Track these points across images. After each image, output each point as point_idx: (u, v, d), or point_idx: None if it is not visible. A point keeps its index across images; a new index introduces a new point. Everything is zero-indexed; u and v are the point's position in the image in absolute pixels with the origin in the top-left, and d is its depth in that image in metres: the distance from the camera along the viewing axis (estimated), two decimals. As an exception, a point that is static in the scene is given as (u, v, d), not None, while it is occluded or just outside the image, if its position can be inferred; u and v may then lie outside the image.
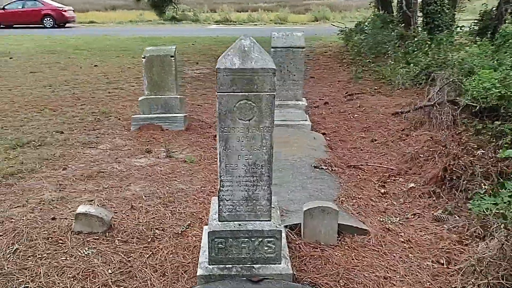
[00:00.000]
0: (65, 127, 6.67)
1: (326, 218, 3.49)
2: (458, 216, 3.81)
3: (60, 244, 3.48)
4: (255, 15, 30.20)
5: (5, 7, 25.21)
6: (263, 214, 2.93)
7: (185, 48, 15.61)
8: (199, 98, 8.70)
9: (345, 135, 6.40)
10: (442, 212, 3.94)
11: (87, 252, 3.37)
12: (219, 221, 2.94)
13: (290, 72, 6.24)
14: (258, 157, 2.82)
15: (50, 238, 3.55)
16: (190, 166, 5.12)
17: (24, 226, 3.71)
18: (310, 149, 5.50)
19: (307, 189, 4.37)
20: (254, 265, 2.95)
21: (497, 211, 3.18)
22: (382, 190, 4.50)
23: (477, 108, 5.23)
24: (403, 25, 12.41)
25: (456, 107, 5.61)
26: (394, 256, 3.37)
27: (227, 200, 2.89)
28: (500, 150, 3.98)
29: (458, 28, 9.75)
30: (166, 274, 3.15)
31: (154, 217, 3.92)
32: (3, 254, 3.34)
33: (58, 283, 3.04)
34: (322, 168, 4.91)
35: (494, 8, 10.13)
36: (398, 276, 3.14)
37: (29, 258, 3.30)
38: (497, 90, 4.76)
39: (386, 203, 4.24)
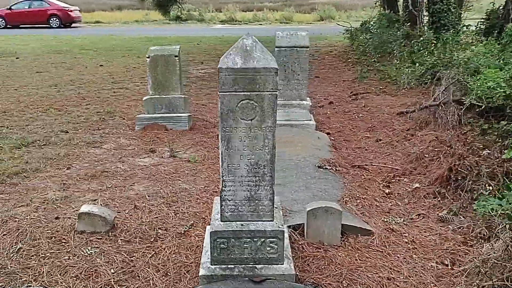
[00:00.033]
0: (70, 126, 6.69)
1: (330, 218, 3.47)
2: (463, 217, 3.78)
3: (63, 244, 3.49)
4: (261, 14, 30.18)
5: (12, 7, 25.36)
6: (266, 214, 2.92)
7: (190, 48, 15.62)
8: (203, 98, 8.69)
9: (349, 135, 6.37)
10: (447, 212, 3.91)
11: (90, 251, 3.38)
12: (221, 221, 2.93)
13: (294, 72, 6.22)
14: (261, 157, 2.80)
15: (53, 238, 3.56)
16: (193, 166, 5.12)
17: (28, 225, 3.72)
18: (314, 148, 5.48)
19: (310, 189, 4.35)
20: (256, 266, 2.94)
21: (503, 212, 3.14)
22: (387, 190, 4.47)
23: (483, 107, 5.18)
24: (409, 24, 12.34)
25: (461, 107, 5.56)
26: (398, 257, 3.34)
27: (229, 200, 2.88)
28: (506, 150, 3.93)
29: (464, 27, 9.68)
30: (169, 274, 3.14)
31: (157, 217, 3.91)
32: (7, 253, 3.35)
33: (61, 283, 3.04)
34: (326, 168, 4.88)
35: (501, 7, 10.04)
36: (402, 277, 3.11)
37: (32, 257, 3.31)
38: (502, 90, 4.72)
39: (391, 204, 4.22)
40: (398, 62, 9.61)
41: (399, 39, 10.94)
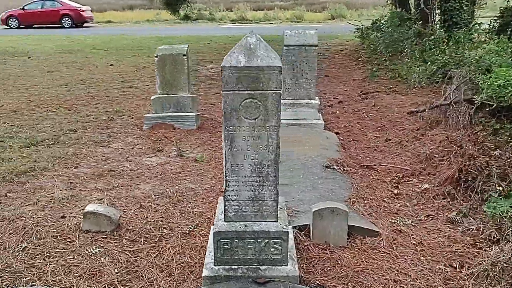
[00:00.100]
0: (78, 125, 6.72)
1: (336, 219, 3.42)
2: (473, 219, 3.70)
3: (68, 243, 3.49)
4: (271, 13, 30.12)
5: (25, 8, 25.62)
6: (270, 215, 2.88)
7: (200, 47, 15.63)
8: (212, 97, 8.68)
9: (358, 134, 6.31)
10: (456, 214, 3.83)
11: (95, 251, 3.37)
12: (225, 221, 2.90)
13: (303, 71, 6.17)
14: (264, 156, 2.77)
15: (58, 237, 3.56)
16: (200, 165, 5.10)
17: (34, 224, 3.73)
18: (322, 148, 5.43)
19: (317, 189, 4.30)
20: (260, 267, 2.91)
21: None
22: (395, 191, 4.40)
23: (494, 107, 5.08)
24: (420, 22, 12.19)
25: (473, 106, 5.46)
26: (405, 259, 3.28)
27: (233, 200, 2.85)
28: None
29: (476, 25, 9.52)
30: (172, 274, 3.12)
31: (162, 217, 3.90)
32: (12, 252, 3.36)
33: (65, 282, 3.04)
34: (334, 168, 4.83)
35: (515, 5, 9.86)
36: (409, 280, 3.05)
37: (37, 256, 3.31)
38: (513, 89, 4.62)
39: (399, 204, 4.15)
40: (409, 60, 9.49)
41: (411, 37, 10.80)
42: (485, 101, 5.21)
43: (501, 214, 3.31)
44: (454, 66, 7.25)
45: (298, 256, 3.24)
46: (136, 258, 3.31)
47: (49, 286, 2.98)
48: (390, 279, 3.06)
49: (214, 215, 3.79)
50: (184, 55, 6.48)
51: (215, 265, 2.91)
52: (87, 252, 3.35)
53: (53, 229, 3.67)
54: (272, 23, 27.35)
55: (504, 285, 2.56)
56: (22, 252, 3.35)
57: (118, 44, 17.01)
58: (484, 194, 3.87)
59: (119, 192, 4.40)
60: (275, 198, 2.85)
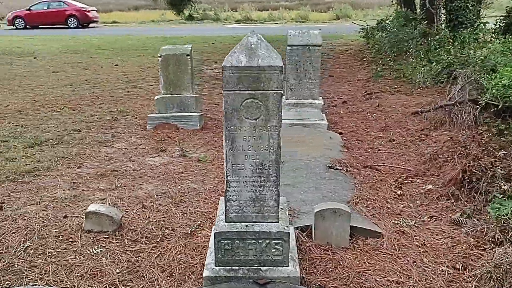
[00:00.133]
0: (82, 125, 6.74)
1: (338, 220, 3.40)
2: (477, 220, 3.66)
3: (70, 243, 3.49)
4: (276, 13, 30.07)
5: (31, 8, 25.75)
6: (271, 216, 2.87)
7: (204, 47, 15.64)
8: (216, 97, 8.67)
9: (362, 135, 6.28)
10: (460, 215, 3.79)
11: (96, 251, 3.37)
12: (226, 222, 2.89)
13: (306, 71, 6.15)
14: (265, 157, 2.75)
15: (60, 236, 3.57)
16: (203, 165, 5.10)
17: (37, 224, 3.74)
18: (325, 149, 5.40)
19: (320, 190, 4.28)
20: (261, 267, 2.89)
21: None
22: (399, 192, 4.37)
23: (500, 107, 5.03)
24: (426, 22, 12.12)
25: (477, 106, 5.42)
26: (408, 260, 3.26)
27: (233, 201, 2.84)
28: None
29: (482, 25, 9.45)
30: (174, 274, 3.12)
31: (164, 217, 3.90)
32: (15, 251, 3.37)
33: (66, 282, 3.04)
34: (337, 169, 4.81)
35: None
36: (412, 281, 3.03)
37: (39, 256, 3.32)
38: (517, 89, 4.58)
39: (402, 205, 4.12)
40: (414, 60, 9.44)
41: (416, 37, 10.74)
42: (490, 102, 5.17)
43: (505, 215, 3.28)
44: (459, 66, 7.21)
45: (299, 257, 3.23)
46: (137, 258, 3.30)
47: (50, 286, 2.98)
48: (392, 280, 3.04)
49: (216, 215, 3.79)
50: (187, 55, 6.48)
51: (216, 266, 2.90)
52: (88, 252, 3.36)
53: (55, 229, 3.68)
54: (277, 23, 27.33)
55: (507, 287, 2.54)
56: (24, 252, 3.36)
57: (123, 45, 17.06)
58: (488, 195, 3.84)
59: (122, 192, 4.40)
60: (276, 199, 2.84)
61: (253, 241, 2.85)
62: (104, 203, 4.06)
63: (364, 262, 3.24)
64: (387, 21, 13.73)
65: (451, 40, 8.85)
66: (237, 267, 2.89)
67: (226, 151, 2.75)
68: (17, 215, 3.90)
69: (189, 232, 3.64)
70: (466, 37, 8.41)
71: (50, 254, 3.34)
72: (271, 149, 2.74)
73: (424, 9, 12.54)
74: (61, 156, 5.41)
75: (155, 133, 6.30)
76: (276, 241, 2.85)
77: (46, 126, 6.71)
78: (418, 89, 8.06)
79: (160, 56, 6.51)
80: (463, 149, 4.64)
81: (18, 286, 2.97)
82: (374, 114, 7.13)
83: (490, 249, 3.17)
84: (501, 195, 3.58)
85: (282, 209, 3.05)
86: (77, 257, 3.31)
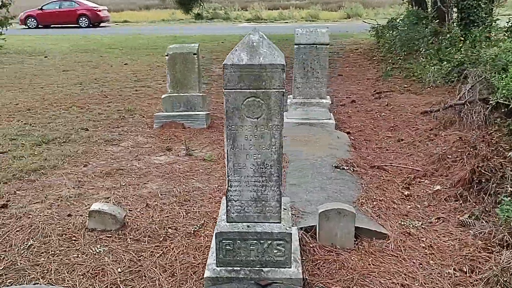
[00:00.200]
0: (90, 124, 6.76)
1: (343, 220, 3.35)
2: (485, 222, 3.58)
3: (73, 241, 3.49)
4: (286, 12, 29.97)
5: (43, 8, 25.99)
6: (273, 216, 2.83)
7: (214, 46, 15.64)
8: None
9: (370, 134, 6.20)
10: (468, 216, 3.72)
11: (99, 250, 3.36)
12: (227, 222, 2.85)
13: (314, 70, 6.09)
14: (267, 156, 2.71)
15: (64, 235, 3.57)
16: (208, 165, 5.07)
17: (41, 222, 3.74)
18: (332, 148, 5.35)
19: (326, 190, 4.23)
20: (263, 268, 2.85)
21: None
22: (406, 192, 4.30)
23: (511, 107, 4.93)
24: (437, 21, 11.96)
25: (488, 106, 5.32)
26: (413, 263, 3.20)
27: (235, 201, 2.81)
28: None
29: (493, 23, 9.29)
30: (175, 274, 3.09)
31: (168, 216, 3.88)
32: (18, 249, 3.37)
33: (68, 281, 3.03)
34: (343, 169, 4.75)
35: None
36: (417, 284, 2.97)
37: (42, 254, 3.32)
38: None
39: (409, 206, 4.05)
40: (424, 59, 9.32)
41: (427, 36, 10.61)
42: (500, 101, 5.07)
43: (514, 217, 3.20)
44: (470, 65, 7.09)
45: (303, 258, 3.19)
46: (139, 258, 3.29)
47: (52, 285, 2.98)
48: (397, 283, 2.99)
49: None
50: (194, 54, 6.46)
51: (217, 266, 2.87)
52: (91, 251, 3.35)
53: (59, 227, 3.67)
54: (287, 22, 27.24)
55: (514, 292, 2.47)
56: (27, 250, 3.36)
57: (133, 44, 17.13)
58: (497, 196, 3.76)
59: (126, 191, 4.40)
60: (278, 199, 2.80)
61: (255, 241, 2.81)
62: (108, 202, 4.06)
63: (369, 264, 3.18)
64: (398, 20, 13.57)
65: (462, 39, 8.71)
66: (238, 268, 2.86)
67: (227, 150, 2.72)
68: (21, 213, 3.91)
69: (192, 232, 3.62)
70: (477, 36, 8.26)
71: (53, 252, 3.34)
72: (273, 148, 2.70)
73: (435, 7, 12.38)
74: (67, 155, 5.43)
75: (162, 132, 6.29)
76: (278, 241, 2.81)
77: (54, 125, 6.74)
78: (428, 88, 7.95)
79: (167, 55, 6.50)
80: (472, 149, 4.55)
81: (20, 285, 2.97)
82: (383, 114, 7.05)
83: (497, 252, 3.09)
84: (510, 197, 3.49)
85: (285, 209, 3.01)
86: (79, 256, 3.30)
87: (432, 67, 8.33)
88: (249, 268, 2.85)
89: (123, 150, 5.65)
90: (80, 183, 4.61)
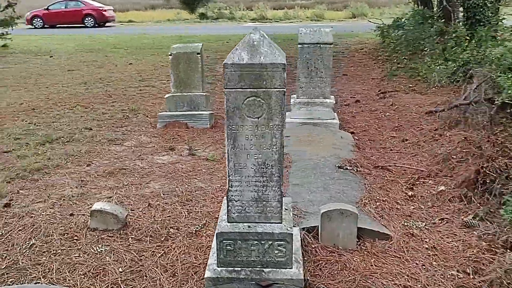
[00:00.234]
0: (94, 123, 6.77)
1: (345, 221, 3.33)
2: (490, 223, 3.54)
3: (75, 241, 3.49)
4: (291, 12, 29.93)
5: (49, 8, 26.10)
6: (274, 216, 2.81)
7: (219, 46, 15.63)
8: (228, 96, 8.62)
9: (374, 134, 6.17)
10: (472, 217, 3.68)
11: (100, 249, 3.36)
12: (228, 222, 2.84)
13: (318, 69, 6.06)
14: (268, 156, 2.69)
15: (66, 234, 3.57)
16: (211, 164, 5.06)
17: (43, 222, 3.75)
18: (336, 148, 5.32)
19: (329, 190, 4.20)
20: (264, 269, 2.84)
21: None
22: (410, 193, 4.27)
23: (516, 106, 4.88)
24: (443, 20, 11.89)
25: (493, 106, 5.26)
26: (416, 264, 3.17)
27: (236, 201, 2.79)
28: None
29: (499, 23, 9.21)
30: (176, 274, 3.08)
31: (170, 216, 3.87)
32: (20, 249, 3.38)
33: (69, 280, 3.03)
34: (347, 169, 4.72)
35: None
36: (420, 285, 2.94)
37: (43, 254, 3.32)
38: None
39: (413, 207, 4.02)
40: (429, 59, 9.25)
41: (432, 35, 10.54)
42: (506, 101, 5.01)
43: (519, 218, 3.16)
44: (475, 64, 7.03)
45: (305, 258, 3.17)
46: (141, 257, 3.28)
47: (53, 284, 2.98)
48: (400, 284, 2.96)
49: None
50: (198, 54, 6.45)
51: (218, 267, 2.86)
52: (92, 250, 3.35)
53: (61, 226, 3.68)
54: (292, 22, 27.19)
55: (518, 294, 2.44)
56: (29, 249, 3.37)
57: (139, 43, 17.16)
58: (502, 197, 3.71)
59: (129, 190, 4.39)
60: (279, 199, 2.78)
61: (256, 242, 2.79)
62: (110, 202, 4.05)
63: (371, 265, 3.16)
64: (403, 19, 13.51)
65: (468, 38, 8.64)
66: (239, 268, 2.84)
67: (228, 150, 2.70)
68: (24, 213, 3.92)
69: (193, 232, 3.61)
70: (483, 35, 8.19)
71: (54, 252, 3.34)
72: (274, 148, 2.68)
73: (441, 7, 12.31)
74: (71, 154, 5.44)
75: (165, 132, 6.29)
76: (279, 242, 2.79)
77: (58, 124, 6.76)
78: (433, 88, 7.90)
79: (170, 55, 6.50)
80: (477, 149, 4.51)
81: (21, 284, 2.97)
82: (387, 113, 7.01)
83: (501, 254, 3.06)
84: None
85: (286, 209, 2.99)
86: (81, 255, 3.30)
87: (438, 67, 8.27)
88: (250, 268, 2.83)
89: (126, 149, 5.65)
90: (83, 182, 4.61)
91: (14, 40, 16.24)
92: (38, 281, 3.02)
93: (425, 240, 3.45)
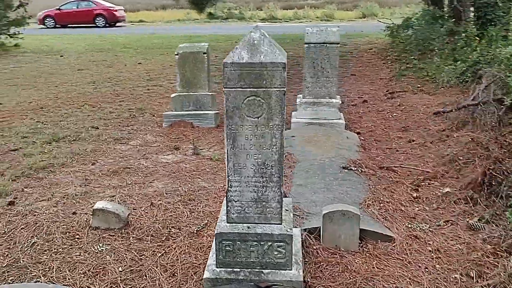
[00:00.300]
0: (101, 123, 6.80)
1: (347, 222, 3.29)
2: (495, 226, 3.48)
3: (76, 239, 3.49)
4: (301, 12, 29.84)
5: (61, 8, 26.32)
6: (273, 217, 2.79)
7: (227, 46, 15.62)
8: (235, 96, 8.60)
9: (381, 135, 6.10)
10: (478, 220, 3.62)
11: (101, 248, 3.36)
12: (227, 222, 2.82)
13: (324, 69, 6.01)
14: (268, 156, 2.67)
15: (67, 233, 3.58)
16: (215, 164, 5.04)
17: (46, 220, 3.76)
18: (341, 148, 5.27)
19: (332, 191, 4.16)
20: (263, 270, 2.81)
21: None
22: (414, 194, 4.21)
23: (525, 107, 4.80)
24: (453, 20, 11.75)
25: (502, 106, 5.18)
26: (419, 266, 3.12)
27: (235, 201, 2.77)
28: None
29: (511, 22, 9.07)
30: (176, 274, 3.07)
31: (172, 215, 3.86)
32: (21, 247, 3.39)
33: (69, 279, 3.03)
34: (352, 169, 4.68)
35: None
36: (422, 289, 2.89)
37: (45, 252, 3.33)
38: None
39: (417, 209, 3.96)
40: (438, 59, 9.15)
41: (442, 35, 10.42)
42: (516, 102, 4.94)
43: (525, 221, 3.10)
44: (485, 64, 6.93)
45: (306, 260, 3.14)
46: (141, 257, 3.27)
47: (53, 283, 2.98)
48: (402, 287, 2.91)
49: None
50: (204, 53, 6.45)
51: (217, 267, 2.84)
52: (93, 249, 3.35)
53: (63, 225, 3.69)
54: (302, 22, 27.09)
55: (521, 299, 2.38)
56: (30, 248, 3.38)
57: (148, 43, 17.22)
58: (509, 199, 3.65)
59: (132, 189, 4.40)
60: (279, 200, 2.75)
61: (255, 243, 2.77)
62: (113, 200, 4.06)
63: (373, 267, 3.11)
64: (413, 19, 13.38)
65: (478, 38, 8.52)
66: (238, 269, 2.82)
67: (227, 150, 2.68)
68: (27, 211, 3.94)
69: (195, 232, 3.59)
70: (493, 35, 8.07)
71: (55, 250, 3.35)
72: (274, 148, 2.66)
73: (451, 6, 12.17)
74: (76, 153, 5.46)
75: (171, 131, 6.29)
76: (278, 243, 2.76)
77: (65, 123, 6.80)
78: (442, 88, 7.81)
79: (177, 54, 6.50)
80: (484, 151, 4.44)
81: (21, 282, 2.98)
82: (395, 114, 6.94)
83: (506, 258, 2.99)
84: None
85: (287, 210, 2.96)
86: (81, 254, 3.30)
87: (447, 67, 8.17)
88: (249, 269, 2.81)
89: (132, 148, 5.66)
90: (87, 181, 4.63)
91: (25, 40, 16.39)
92: (38, 279, 3.03)
93: (429, 242, 3.40)
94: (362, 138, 5.89)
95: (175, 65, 6.64)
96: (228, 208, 2.80)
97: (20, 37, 15.98)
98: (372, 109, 7.38)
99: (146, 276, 3.07)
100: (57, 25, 26.03)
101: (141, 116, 7.20)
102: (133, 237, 3.52)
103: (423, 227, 3.61)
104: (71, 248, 3.38)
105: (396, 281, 2.97)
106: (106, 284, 2.98)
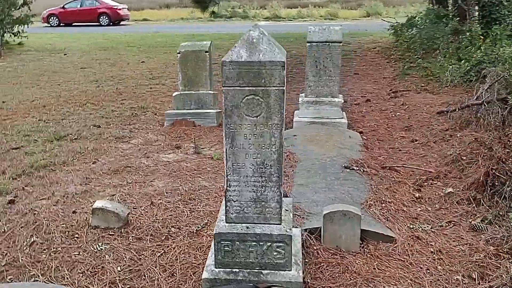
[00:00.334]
0: (102, 121, 6.79)
1: (348, 222, 3.26)
2: (498, 226, 3.44)
3: (75, 239, 3.48)
4: (305, 11, 29.75)
5: (65, 6, 26.37)
6: (273, 217, 2.76)
7: (231, 45, 15.53)
8: (237, 94, 8.57)
9: (384, 134, 6.06)
10: (481, 221, 3.57)
11: (100, 247, 3.34)
12: (226, 222, 2.79)
13: (326, 68, 5.97)
14: (267, 156, 2.64)
15: (67, 232, 3.56)
16: (216, 163, 5.02)
17: (45, 219, 3.75)
18: (343, 148, 5.24)
19: (333, 190, 4.13)
20: (262, 271, 2.78)
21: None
22: (417, 195, 4.17)
23: (530, 107, 4.75)
24: (458, 19, 11.68)
25: (506, 106, 5.13)
26: (420, 268, 3.08)
27: (234, 201, 2.74)
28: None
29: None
30: (175, 274, 3.05)
31: (171, 214, 3.84)
32: (20, 246, 3.38)
33: (67, 278, 3.01)
34: (353, 169, 4.64)
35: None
36: (423, 290, 2.86)
37: (44, 251, 3.32)
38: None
39: (420, 209, 3.92)
40: (442, 58, 9.08)
41: (446, 34, 10.35)
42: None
43: (528, 223, 3.06)
44: (489, 64, 6.87)
45: (306, 260, 3.11)
46: (140, 257, 3.25)
47: (51, 282, 2.97)
48: (402, 288, 2.88)
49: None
50: (206, 52, 6.42)
51: (215, 268, 2.82)
52: (92, 249, 3.33)
53: (63, 224, 3.68)
54: (306, 21, 27.02)
55: (523, 302, 2.34)
56: (29, 247, 3.37)
57: (152, 42, 17.22)
58: (512, 200, 3.61)
59: (132, 188, 4.38)
60: (278, 200, 2.72)
61: (254, 243, 2.74)
62: (113, 199, 4.04)
63: (374, 268, 3.08)
64: (417, 18, 13.31)
65: (482, 37, 8.45)
66: (237, 270, 2.79)
67: (226, 149, 2.66)
68: (27, 209, 3.93)
69: (194, 231, 3.57)
70: (498, 34, 8.01)
71: (54, 249, 3.33)
72: (273, 148, 2.63)
73: (456, 5, 12.10)
74: (77, 151, 5.45)
75: (172, 130, 6.27)
76: (277, 244, 2.73)
77: (67, 121, 6.79)
78: (446, 87, 7.75)
79: (179, 53, 6.48)
80: (488, 151, 4.39)
81: (19, 282, 2.97)
82: (398, 113, 6.89)
83: (508, 260, 2.96)
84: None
85: (287, 210, 2.93)
86: (80, 253, 3.29)
87: (451, 66, 8.11)
88: (248, 270, 2.79)
89: (133, 147, 5.65)
90: (88, 180, 4.61)
91: (30, 38, 16.41)
92: (37, 279, 3.01)
93: (431, 243, 3.36)
94: (365, 138, 5.85)
95: (177, 63, 6.61)
96: (227, 208, 2.77)
97: (24, 35, 16.01)
98: (375, 108, 7.34)
99: (145, 276, 3.05)
100: (61, 24, 26.09)
101: (143, 114, 7.19)
102: (132, 236, 3.50)
103: (425, 227, 3.57)
104: (70, 247, 3.36)
105: (397, 282, 2.94)
106: (105, 283, 2.96)
